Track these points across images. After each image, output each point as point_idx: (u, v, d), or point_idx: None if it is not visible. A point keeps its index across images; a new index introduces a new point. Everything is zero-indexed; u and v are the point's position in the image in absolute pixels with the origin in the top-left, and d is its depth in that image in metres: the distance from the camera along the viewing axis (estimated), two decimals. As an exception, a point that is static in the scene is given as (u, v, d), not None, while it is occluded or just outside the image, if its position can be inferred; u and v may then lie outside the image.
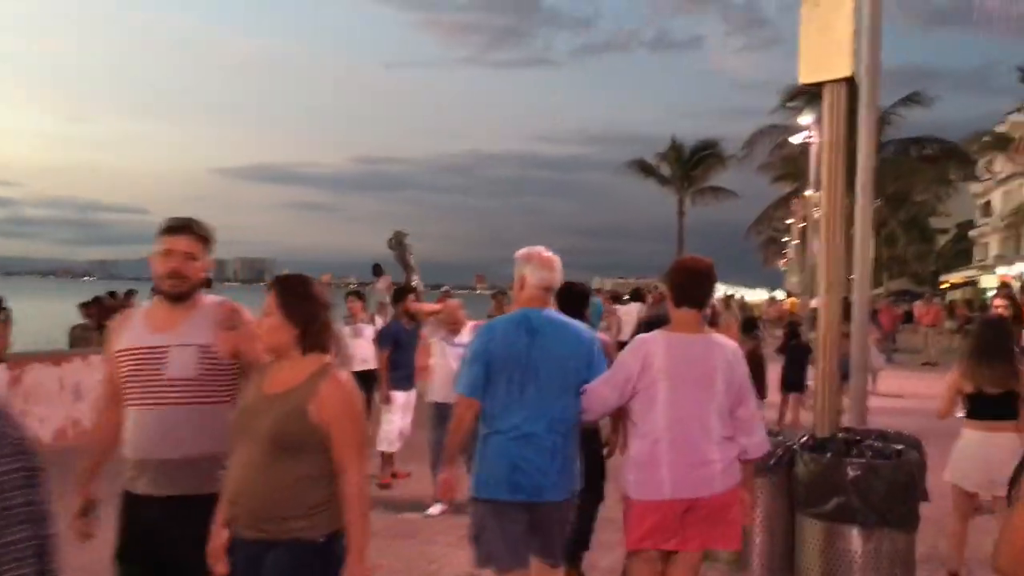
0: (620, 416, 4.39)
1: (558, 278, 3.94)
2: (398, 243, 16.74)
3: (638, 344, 3.69)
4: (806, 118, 22.07)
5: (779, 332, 17.46)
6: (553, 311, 3.93)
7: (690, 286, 3.71)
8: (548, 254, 3.93)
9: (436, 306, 7.99)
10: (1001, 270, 43.86)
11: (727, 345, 3.73)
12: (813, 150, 19.95)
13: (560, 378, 3.74)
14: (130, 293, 15.53)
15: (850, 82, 4.73)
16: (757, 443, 3.69)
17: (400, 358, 7.95)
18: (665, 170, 44.92)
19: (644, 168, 44.92)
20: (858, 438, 4.53)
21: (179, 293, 3.12)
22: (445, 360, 6.92)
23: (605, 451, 4.98)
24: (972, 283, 47.39)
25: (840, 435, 4.54)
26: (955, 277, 51.05)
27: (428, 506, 6.87)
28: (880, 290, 41.89)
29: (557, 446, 3.71)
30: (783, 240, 54.33)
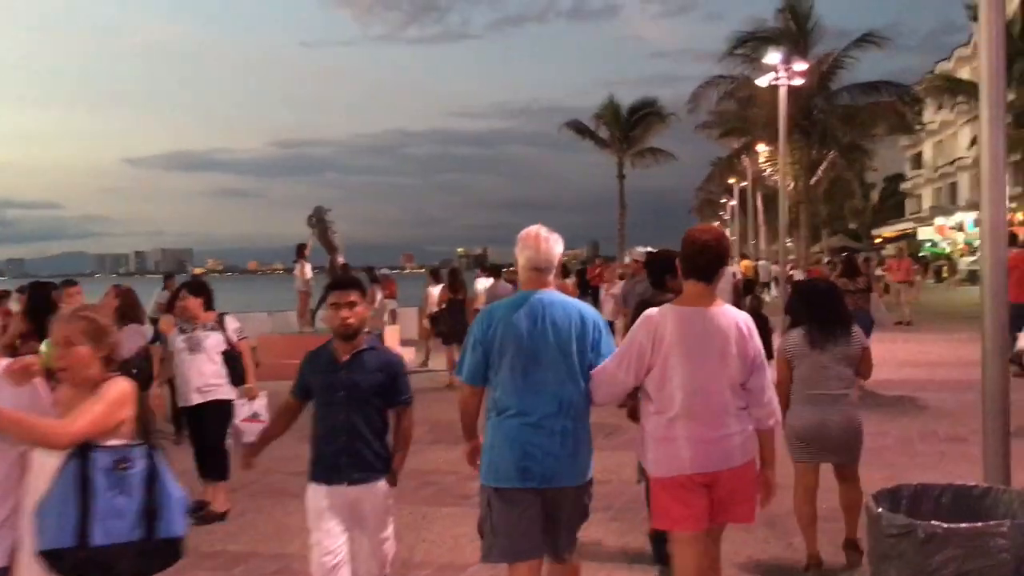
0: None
1: (552, 257, 3.93)
2: (319, 220, 16.99)
3: (646, 320, 3.75)
4: (773, 57, 21.07)
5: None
6: (554, 292, 3.94)
7: (697, 258, 3.77)
8: (541, 234, 3.94)
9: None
10: (939, 220, 48.91)
11: (739, 316, 3.80)
12: (781, 93, 19.75)
13: (565, 361, 3.80)
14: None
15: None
16: (769, 412, 3.82)
17: None
18: (602, 132, 45.51)
19: (580, 130, 45.46)
20: None
21: None
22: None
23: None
24: (906, 236, 51.44)
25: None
26: (888, 231, 55.34)
27: None
28: (818, 247, 45.60)
29: (567, 431, 3.80)
30: (721, 201, 59.78)
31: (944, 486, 3.90)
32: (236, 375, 6.93)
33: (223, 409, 6.92)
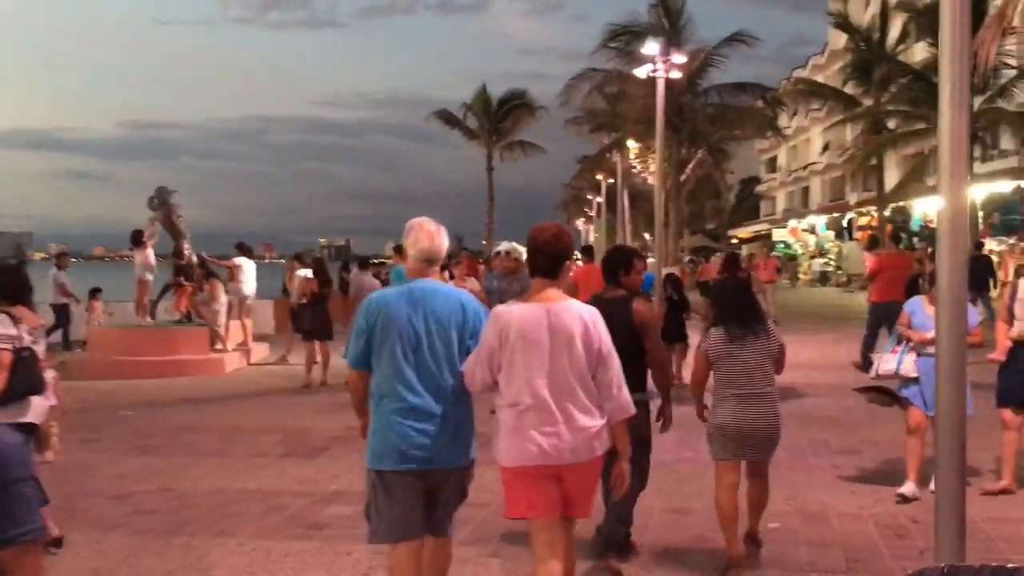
0: (664, 388, 5.26)
1: (442, 249, 4.12)
2: (161, 202, 15.31)
3: (494, 318, 3.89)
4: (651, 48, 20.76)
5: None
6: (436, 281, 4.11)
7: (538, 256, 3.97)
8: (430, 226, 4.10)
9: None
10: (792, 223, 50.05)
11: (583, 310, 3.91)
12: (659, 84, 19.68)
13: (445, 347, 3.96)
14: None
15: None
16: (620, 406, 3.90)
17: None
18: (471, 122, 45.51)
19: (449, 120, 45.41)
20: None
21: None
22: None
23: (659, 425, 5.34)
24: (760, 237, 52.82)
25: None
26: (744, 232, 56.77)
27: None
28: (682, 244, 45.79)
29: (446, 414, 3.93)
30: (587, 198, 60.42)
31: (979, 567, 3.23)
32: None
33: None
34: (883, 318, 12.98)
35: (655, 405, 5.38)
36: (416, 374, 3.95)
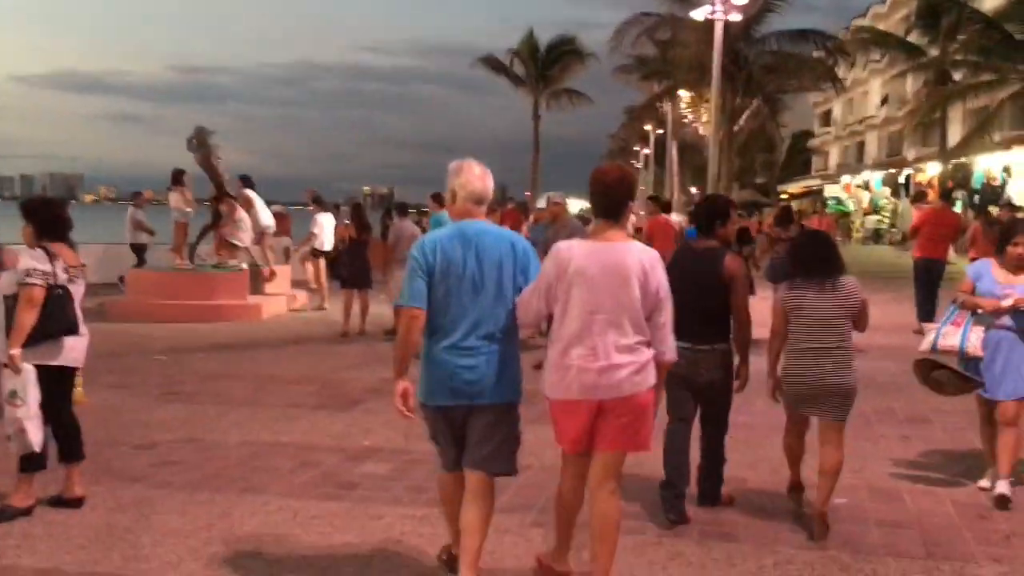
0: (744, 346, 5.24)
1: (490, 190, 4.20)
2: (200, 143, 14.90)
3: (555, 252, 3.99)
4: None
5: None
6: (487, 222, 4.19)
7: (601, 198, 4.04)
8: (477, 167, 4.17)
9: None
10: (846, 178, 48.62)
11: (644, 252, 3.98)
12: (717, 28, 19.29)
13: (496, 287, 4.04)
14: None
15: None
16: (669, 349, 4.04)
17: None
18: (518, 69, 44.52)
19: (496, 66, 44.34)
20: None
21: None
22: None
23: (735, 384, 5.32)
24: (811, 193, 51.56)
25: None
26: (794, 187, 55.25)
27: None
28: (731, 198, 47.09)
29: (496, 351, 4.05)
30: (634, 149, 59.02)
31: None
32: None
33: None
34: (922, 273, 12.70)
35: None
36: (469, 311, 4.05)
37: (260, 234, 15.72)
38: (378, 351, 11.38)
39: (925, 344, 5.87)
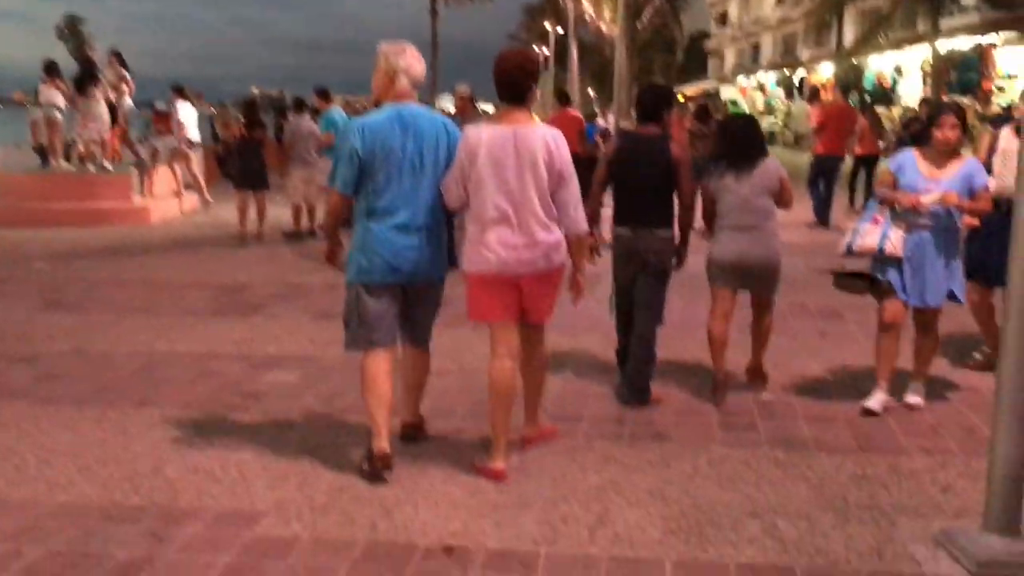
0: (685, 228, 5.27)
1: (423, 74, 4.31)
2: (72, 32, 14.91)
3: (464, 138, 4.13)
4: None
5: None
6: (419, 106, 4.29)
7: (505, 82, 4.14)
8: (415, 50, 4.28)
9: None
10: (742, 80, 48.69)
11: (548, 132, 4.13)
12: None
13: (433, 169, 4.20)
14: None
15: None
16: (575, 222, 4.19)
17: None
18: None
19: None
20: None
21: None
22: None
23: (674, 262, 5.34)
24: (708, 95, 50.06)
25: None
26: (691, 89, 54.60)
27: None
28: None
29: (432, 230, 4.24)
30: (534, 48, 58.47)
31: None
32: None
33: None
34: (825, 171, 12.96)
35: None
36: (408, 193, 4.18)
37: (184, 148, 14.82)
38: (278, 255, 10.86)
39: (842, 246, 5.30)
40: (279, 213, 12.47)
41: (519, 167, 4.06)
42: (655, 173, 5.18)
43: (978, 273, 5.80)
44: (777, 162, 5.36)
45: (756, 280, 5.37)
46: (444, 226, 4.40)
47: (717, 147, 5.50)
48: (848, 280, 5.46)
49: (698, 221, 5.44)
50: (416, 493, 4.07)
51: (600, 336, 6.53)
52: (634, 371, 5.33)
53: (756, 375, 5.66)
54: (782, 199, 5.34)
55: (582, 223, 4.26)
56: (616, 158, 5.36)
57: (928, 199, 4.94)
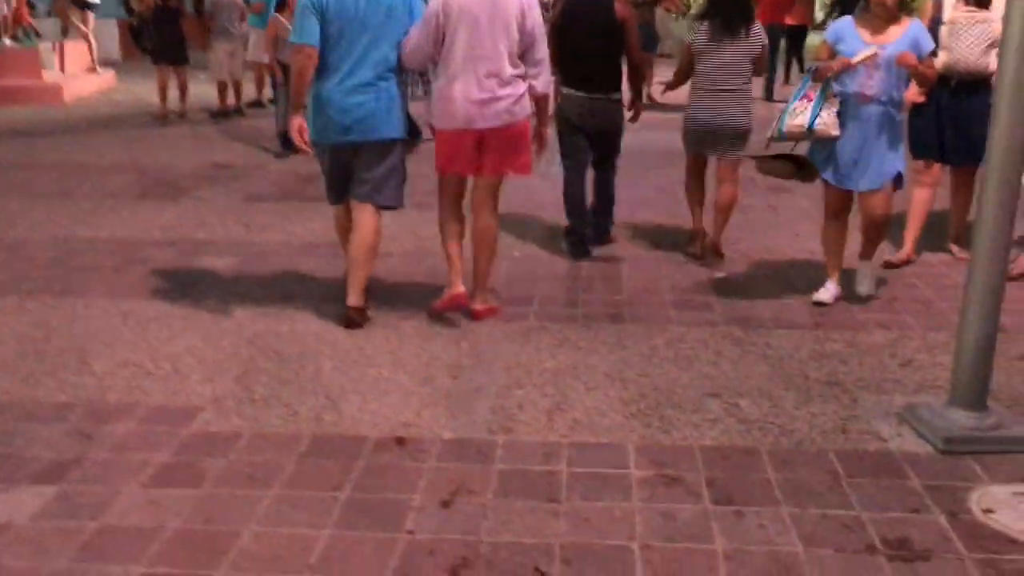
0: (637, 86, 5.75)
1: None
2: None
3: None
4: None
5: None
6: None
7: None
8: None
9: None
10: None
11: None
12: None
13: (388, 28, 4.25)
14: None
15: None
16: (543, 81, 4.43)
17: None
18: None
19: None
20: None
21: None
22: None
23: (629, 116, 5.75)
24: None
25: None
26: None
27: None
28: None
29: (384, 90, 4.30)
30: None
31: None
32: None
33: None
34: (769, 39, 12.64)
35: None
36: (360, 51, 4.24)
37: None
38: (203, 135, 10.30)
39: (772, 129, 4.71)
40: (203, 91, 11.80)
41: (492, 27, 4.21)
42: (601, 33, 5.35)
43: (926, 151, 5.56)
44: (762, 28, 5.43)
45: (728, 142, 5.42)
46: (400, 86, 4.44)
47: (707, 8, 5.49)
48: (771, 163, 4.88)
49: (660, 77, 5.65)
50: (362, 383, 3.87)
51: (544, 219, 6.34)
52: (599, 221, 5.79)
53: (714, 251, 5.56)
54: (759, 65, 5.42)
55: (549, 85, 4.56)
56: (562, 22, 5.48)
57: (861, 55, 4.44)
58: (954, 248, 5.72)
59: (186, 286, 5.10)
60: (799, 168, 4.79)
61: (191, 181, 7.82)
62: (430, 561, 2.66)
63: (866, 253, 4.94)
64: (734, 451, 3.31)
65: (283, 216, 6.59)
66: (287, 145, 8.63)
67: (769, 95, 12.81)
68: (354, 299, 4.45)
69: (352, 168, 4.41)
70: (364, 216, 4.44)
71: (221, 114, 11.37)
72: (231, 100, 11.55)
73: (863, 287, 4.95)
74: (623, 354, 4.19)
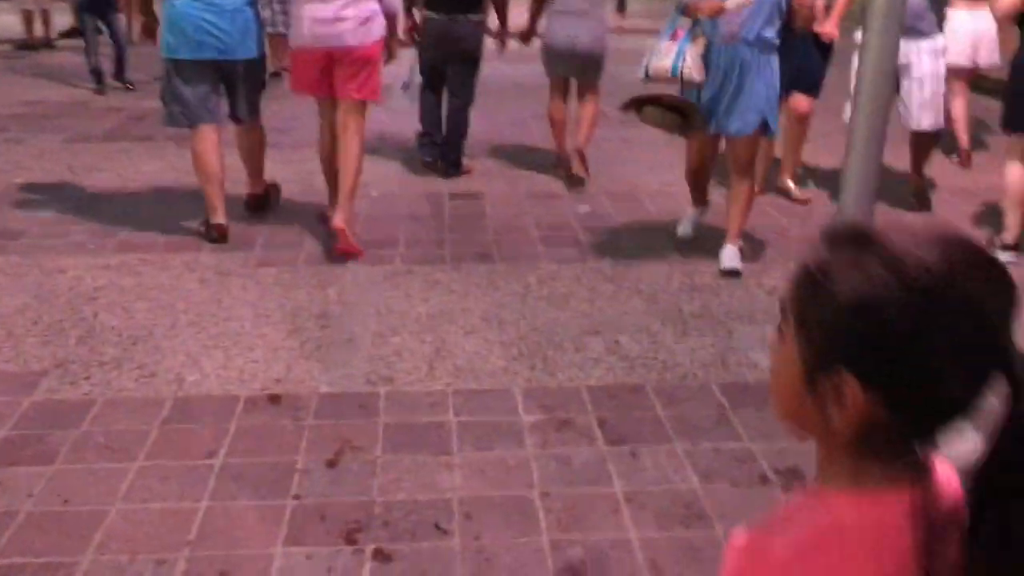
0: (503, 13, 5.80)
1: None
2: None
3: None
4: None
5: None
6: None
7: None
8: None
9: None
10: None
11: None
12: None
13: None
14: None
15: None
16: (391, 4, 4.48)
17: None
18: None
19: None
20: None
21: None
22: None
23: (497, 46, 6.01)
24: None
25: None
26: None
27: None
28: None
29: (239, 10, 4.38)
30: None
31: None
32: None
33: None
34: None
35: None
36: None
37: None
38: (11, 69, 9.39)
39: (640, 70, 4.32)
40: (7, 21, 10.71)
41: None
42: None
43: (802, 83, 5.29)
44: None
45: (584, 67, 5.57)
46: (254, 10, 4.50)
47: None
48: (654, 113, 4.35)
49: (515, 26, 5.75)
50: (224, 337, 3.59)
51: (401, 159, 6.13)
52: (448, 146, 5.79)
53: (580, 158, 5.71)
54: None
55: (396, 6, 4.57)
56: None
57: (731, 2, 4.08)
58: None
59: (9, 237, 4.60)
60: (684, 118, 4.30)
61: (2, 121, 7.07)
62: (322, 527, 2.49)
63: (732, 221, 4.47)
64: (621, 389, 3.28)
65: (111, 158, 6.06)
66: (100, 81, 8.07)
67: (621, 6, 12.85)
68: (250, 187, 4.92)
69: (211, 86, 4.50)
70: (244, 132, 4.80)
71: (29, 47, 10.37)
72: (39, 31, 10.54)
73: (729, 262, 4.40)
74: (497, 295, 4.08)
